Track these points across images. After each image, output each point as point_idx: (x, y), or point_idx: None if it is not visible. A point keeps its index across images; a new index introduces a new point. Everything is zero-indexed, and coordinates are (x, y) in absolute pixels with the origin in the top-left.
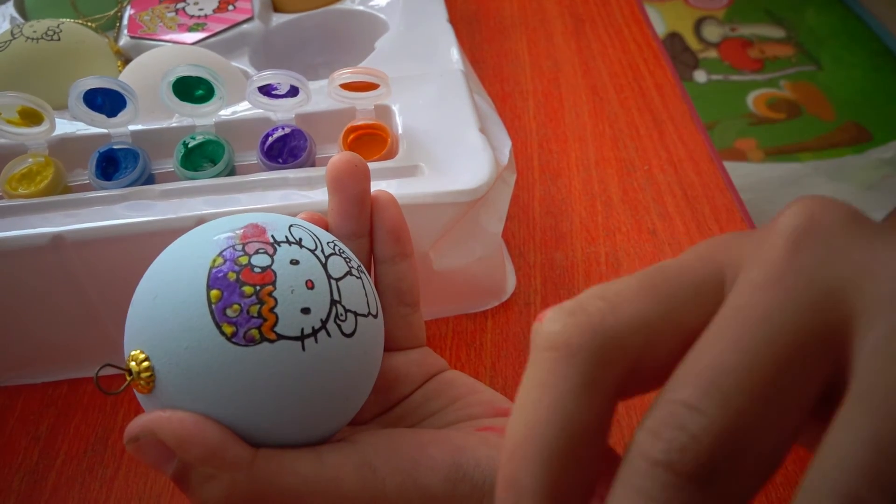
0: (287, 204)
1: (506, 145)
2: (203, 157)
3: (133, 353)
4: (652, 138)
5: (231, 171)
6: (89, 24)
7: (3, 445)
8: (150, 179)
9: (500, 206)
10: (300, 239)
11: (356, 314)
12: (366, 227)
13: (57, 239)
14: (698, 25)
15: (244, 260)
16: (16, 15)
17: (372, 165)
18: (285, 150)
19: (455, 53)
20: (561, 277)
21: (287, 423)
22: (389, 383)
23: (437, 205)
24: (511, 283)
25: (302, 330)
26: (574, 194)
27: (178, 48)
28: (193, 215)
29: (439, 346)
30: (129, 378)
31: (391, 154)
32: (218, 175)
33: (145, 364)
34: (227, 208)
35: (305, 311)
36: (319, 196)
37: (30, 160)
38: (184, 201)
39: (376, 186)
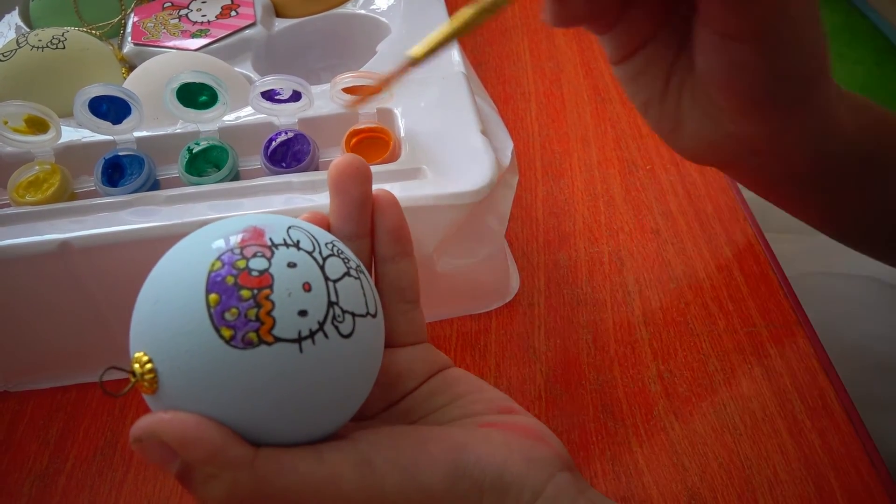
0: (291, 208)
1: (508, 147)
2: (207, 162)
3: (137, 355)
4: (654, 138)
5: (235, 176)
6: (93, 31)
7: (14, 450)
8: (155, 185)
9: (503, 207)
10: (298, 241)
11: (354, 315)
12: (367, 228)
13: (64, 245)
14: None
15: (242, 264)
16: (21, 24)
17: (375, 168)
18: (289, 154)
19: (456, 56)
20: (564, 277)
21: (287, 423)
22: (393, 378)
23: (439, 207)
24: (515, 283)
25: (299, 332)
26: (577, 195)
27: (182, 54)
28: (198, 220)
29: (443, 347)
30: (133, 380)
31: (394, 157)
32: (222, 180)
33: (148, 366)
34: (231, 213)
35: (303, 313)
36: (323, 200)
37: (36, 168)
38: (189, 206)
39: (379, 189)
